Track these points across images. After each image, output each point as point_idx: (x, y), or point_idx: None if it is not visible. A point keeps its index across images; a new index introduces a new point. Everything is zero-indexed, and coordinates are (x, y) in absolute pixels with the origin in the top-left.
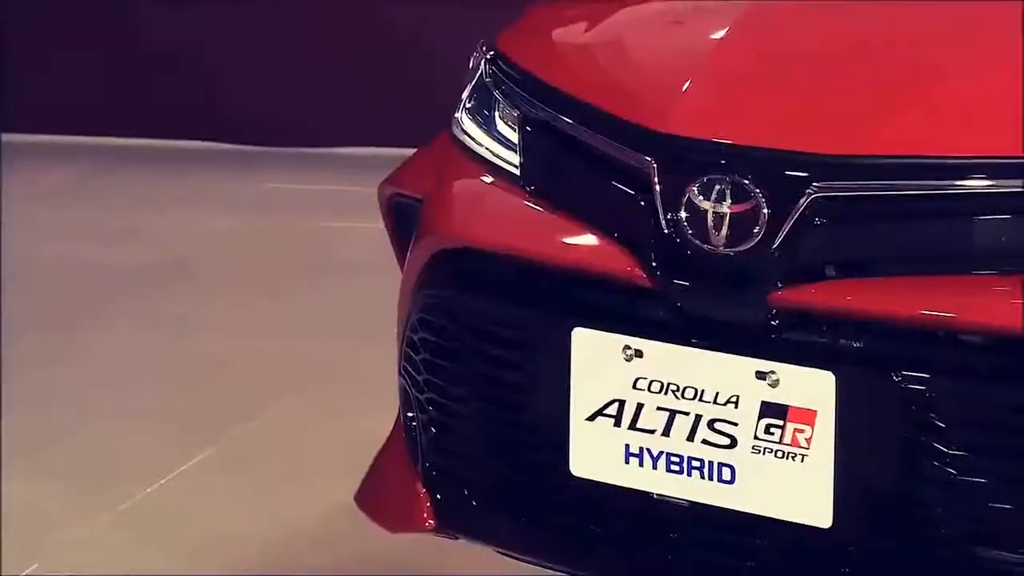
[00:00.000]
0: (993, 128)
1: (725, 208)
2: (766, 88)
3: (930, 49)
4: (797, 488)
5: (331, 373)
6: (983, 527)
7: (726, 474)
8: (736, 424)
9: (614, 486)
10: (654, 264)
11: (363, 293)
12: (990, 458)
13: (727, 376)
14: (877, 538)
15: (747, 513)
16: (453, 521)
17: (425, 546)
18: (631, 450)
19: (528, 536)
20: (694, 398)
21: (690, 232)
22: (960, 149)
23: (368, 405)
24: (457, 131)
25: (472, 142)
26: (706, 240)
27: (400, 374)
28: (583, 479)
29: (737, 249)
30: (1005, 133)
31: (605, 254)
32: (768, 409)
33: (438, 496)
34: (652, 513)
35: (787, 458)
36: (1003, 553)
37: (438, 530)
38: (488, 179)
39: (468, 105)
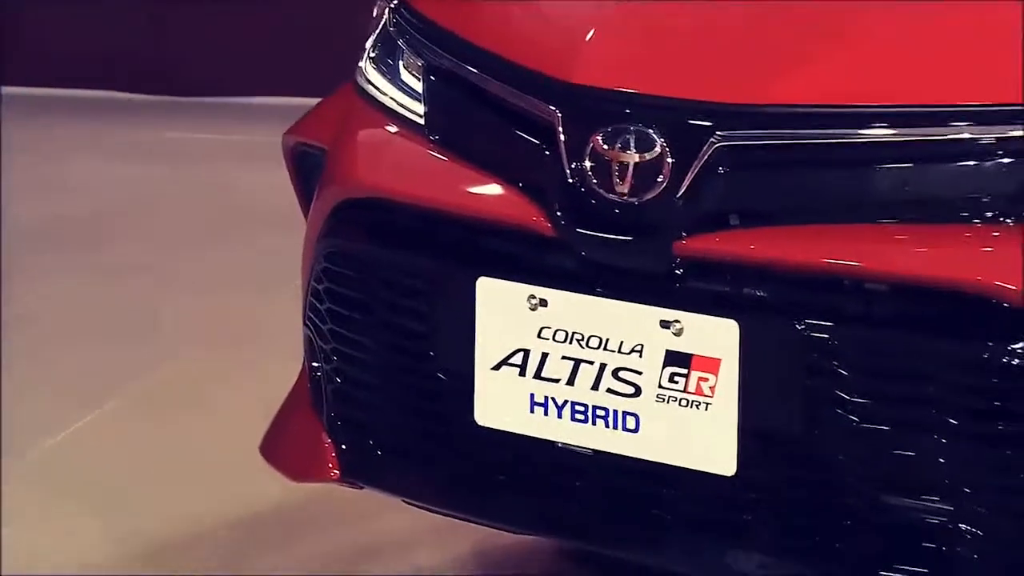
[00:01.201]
0: (894, 77)
1: (629, 157)
2: (670, 38)
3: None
4: (701, 436)
5: (246, 326)
6: (886, 474)
7: (630, 423)
8: (640, 373)
9: (519, 435)
10: (559, 213)
11: (281, 245)
12: (892, 406)
13: (631, 325)
14: (781, 486)
15: (651, 461)
16: (358, 471)
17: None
18: (536, 399)
19: (432, 486)
20: (599, 347)
21: (594, 181)
22: (862, 98)
23: (281, 357)
24: (361, 80)
25: (376, 91)
26: (610, 189)
27: (305, 324)
28: (488, 428)
29: (641, 198)
30: (906, 82)
31: (510, 204)
32: (672, 358)
33: (343, 446)
34: (557, 462)
35: (691, 406)
36: (906, 500)
37: (343, 480)
38: (392, 129)
39: (372, 54)
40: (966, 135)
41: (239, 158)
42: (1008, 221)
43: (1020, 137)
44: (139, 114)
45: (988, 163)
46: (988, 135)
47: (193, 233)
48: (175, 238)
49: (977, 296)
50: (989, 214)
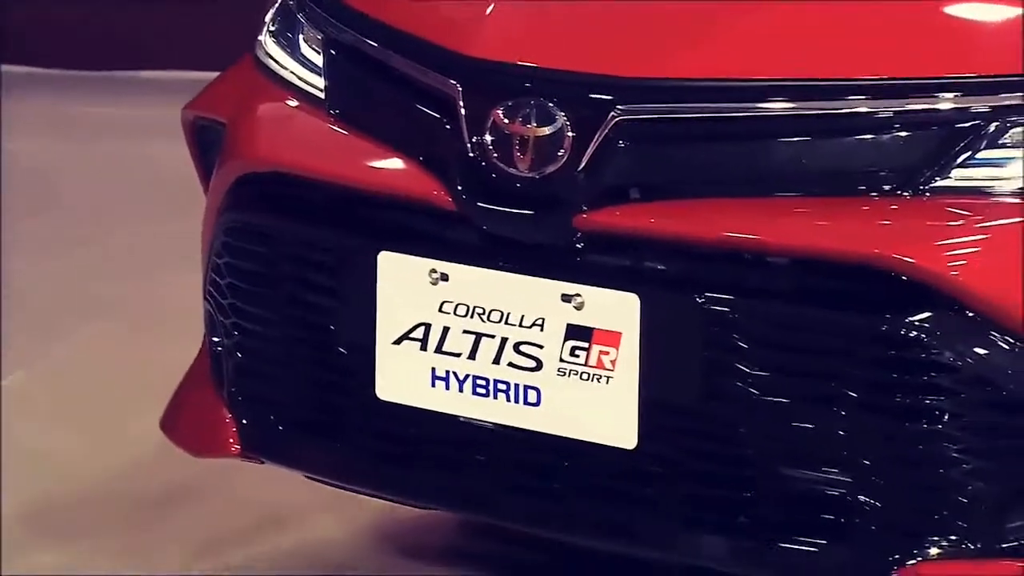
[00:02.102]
0: (793, 51)
1: (530, 131)
2: (571, 11)
3: None
4: (602, 410)
5: (150, 301)
6: (785, 446)
7: (532, 396)
8: (541, 347)
9: (420, 409)
10: (459, 188)
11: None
12: (792, 378)
13: (533, 299)
14: (682, 459)
15: (553, 435)
16: (258, 446)
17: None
18: (437, 373)
19: (333, 460)
20: (500, 321)
21: (495, 155)
22: (761, 72)
23: (183, 335)
24: (261, 54)
25: (276, 65)
26: (511, 163)
27: (205, 299)
28: (389, 403)
29: (542, 172)
30: (805, 56)
31: (410, 178)
32: (573, 331)
33: (243, 421)
34: (458, 436)
35: (592, 380)
36: (805, 471)
37: (243, 455)
38: (293, 103)
39: (272, 28)
40: (864, 108)
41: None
42: (906, 194)
43: (917, 110)
44: (43, 87)
45: (886, 136)
46: (886, 108)
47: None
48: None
49: (876, 269)
50: (887, 187)
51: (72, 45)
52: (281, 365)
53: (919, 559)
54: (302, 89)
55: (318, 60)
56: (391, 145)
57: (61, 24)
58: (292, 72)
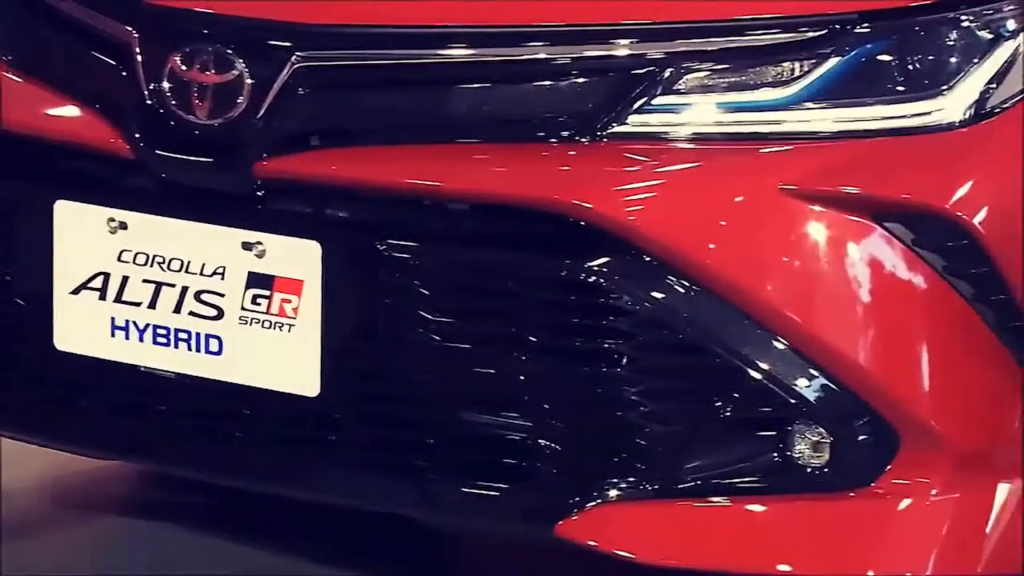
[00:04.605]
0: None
1: (208, 78)
2: None
3: None
4: (285, 358)
5: None
6: (468, 392)
7: (213, 345)
8: (223, 295)
9: (100, 360)
10: (137, 135)
11: None
12: (474, 324)
13: (213, 247)
14: (365, 405)
15: (236, 384)
16: None
17: None
18: (117, 323)
19: (11, 412)
20: (180, 270)
21: (173, 103)
22: (440, 19)
23: None
24: None
25: None
26: (189, 111)
27: None
28: (68, 353)
29: (221, 119)
30: (483, 3)
31: (88, 126)
32: (255, 279)
33: None
34: (139, 386)
35: (274, 328)
36: (488, 416)
37: None
38: None
39: None
40: (542, 55)
41: None
42: (584, 140)
43: (594, 57)
44: None
45: (564, 83)
46: (563, 55)
47: None
48: None
49: (554, 214)
50: (566, 133)
51: None
52: None
53: (599, 501)
54: None
55: None
56: (68, 92)
57: None
58: None
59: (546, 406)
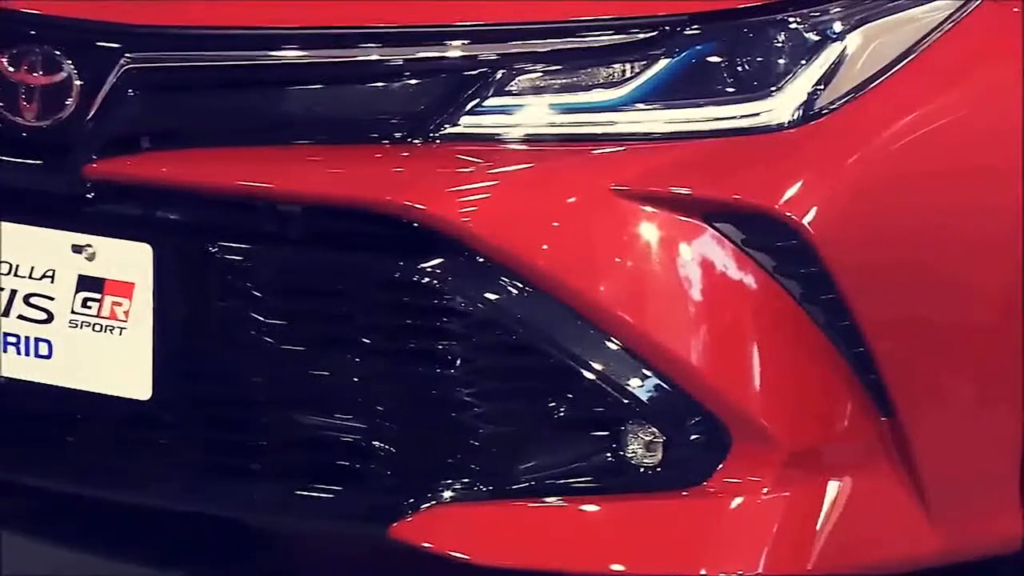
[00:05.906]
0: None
1: (36, 80)
2: None
3: None
4: (116, 361)
5: None
6: (302, 394)
7: (43, 349)
8: (53, 299)
9: None
10: None
11: None
12: (308, 326)
13: (43, 251)
14: (198, 408)
15: (66, 388)
16: None
17: None
18: None
19: None
20: (9, 273)
21: (1, 104)
22: (271, 20)
23: None
24: None
25: None
26: (17, 112)
27: None
28: None
29: (50, 121)
30: (315, 4)
31: None
32: (85, 283)
33: None
34: None
35: (105, 331)
36: (322, 418)
37: None
38: None
39: None
40: (374, 56)
41: None
42: (416, 141)
43: (426, 58)
44: None
45: (397, 84)
46: (396, 56)
47: None
48: None
49: (387, 215)
50: (399, 135)
51: None
52: None
53: (433, 502)
54: None
55: None
56: None
57: None
58: None
59: (380, 407)
